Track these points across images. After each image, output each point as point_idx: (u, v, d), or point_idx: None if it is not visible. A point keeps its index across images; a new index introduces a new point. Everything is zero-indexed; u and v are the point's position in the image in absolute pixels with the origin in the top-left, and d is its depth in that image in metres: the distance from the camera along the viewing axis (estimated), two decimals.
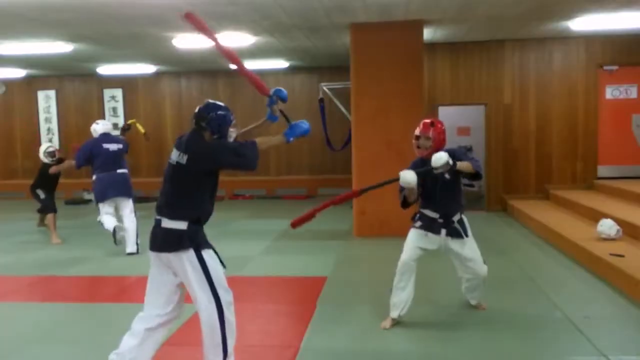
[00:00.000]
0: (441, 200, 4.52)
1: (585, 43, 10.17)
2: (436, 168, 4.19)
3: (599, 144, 10.30)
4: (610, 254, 5.91)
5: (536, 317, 4.71)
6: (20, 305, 5.59)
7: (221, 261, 3.53)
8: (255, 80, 3.65)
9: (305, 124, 3.58)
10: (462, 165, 4.33)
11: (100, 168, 7.40)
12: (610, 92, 10.29)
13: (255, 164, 3.44)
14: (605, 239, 6.60)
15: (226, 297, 3.47)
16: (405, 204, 4.64)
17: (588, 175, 10.30)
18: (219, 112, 3.42)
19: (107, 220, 7.44)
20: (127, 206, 7.56)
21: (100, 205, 7.44)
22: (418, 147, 4.54)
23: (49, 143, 9.21)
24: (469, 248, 4.59)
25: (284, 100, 3.67)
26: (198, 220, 3.44)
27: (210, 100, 3.56)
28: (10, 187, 13.81)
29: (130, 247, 7.43)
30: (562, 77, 10.32)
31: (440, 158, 4.14)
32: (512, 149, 10.45)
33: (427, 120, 4.59)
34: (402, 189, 4.45)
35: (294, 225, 4.22)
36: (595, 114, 10.27)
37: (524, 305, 4.80)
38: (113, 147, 7.56)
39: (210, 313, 3.43)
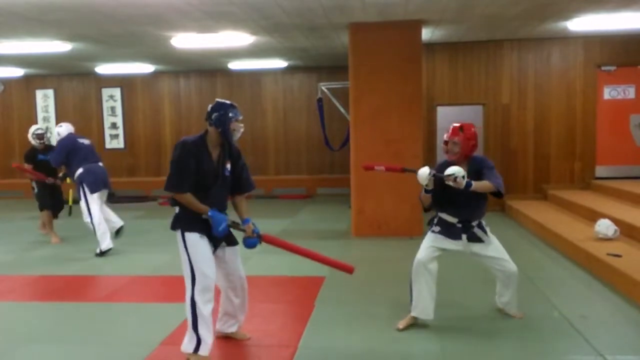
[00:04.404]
0: (462, 206, 4.46)
1: (584, 43, 10.19)
2: (448, 176, 4.20)
3: (597, 144, 10.32)
4: (608, 254, 5.92)
5: (534, 317, 4.73)
6: (17, 305, 5.59)
7: (215, 245, 3.95)
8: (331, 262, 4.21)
9: (221, 229, 3.81)
10: (479, 186, 4.27)
11: (84, 160, 7.43)
12: (609, 93, 10.30)
13: (170, 190, 3.85)
14: (602, 239, 6.61)
15: (202, 281, 3.83)
16: (424, 208, 4.64)
17: (586, 176, 10.31)
18: (221, 112, 3.88)
19: (105, 236, 7.34)
20: (103, 199, 7.65)
21: (90, 198, 7.31)
22: (446, 151, 4.50)
23: (37, 125, 8.92)
24: (492, 249, 4.55)
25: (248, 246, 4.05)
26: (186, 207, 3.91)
27: (219, 100, 4.02)
28: (8, 187, 13.79)
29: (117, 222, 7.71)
30: (561, 77, 10.34)
31: (422, 174, 4.32)
32: (510, 149, 10.47)
33: (457, 125, 4.51)
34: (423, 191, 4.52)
35: (366, 168, 4.99)
36: (593, 114, 10.29)
37: (522, 305, 4.81)
38: (86, 141, 7.75)
39: (187, 292, 3.86)
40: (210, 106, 3.96)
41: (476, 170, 4.45)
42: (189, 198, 3.82)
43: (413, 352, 4.15)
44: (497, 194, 4.38)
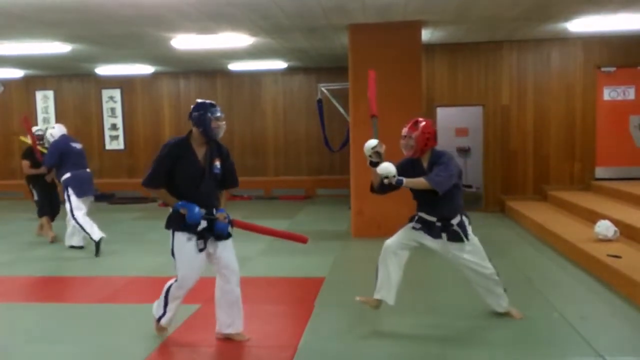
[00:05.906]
0: (433, 204, 4.45)
1: (583, 44, 10.19)
2: (380, 174, 4.26)
3: (597, 145, 10.31)
4: (608, 255, 5.92)
5: (533, 318, 4.72)
6: (17, 306, 5.59)
7: (204, 245, 4.08)
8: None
9: (197, 211, 3.96)
10: (411, 183, 4.31)
11: (73, 165, 7.49)
12: (608, 94, 10.30)
13: (143, 184, 4.13)
14: (602, 240, 6.61)
15: (182, 280, 4.12)
16: (371, 187, 4.67)
17: (586, 176, 10.31)
18: (201, 111, 4.02)
19: (93, 229, 7.33)
20: (87, 204, 7.66)
21: (75, 202, 7.36)
22: (404, 147, 4.54)
23: (38, 126, 8.95)
24: (469, 251, 4.51)
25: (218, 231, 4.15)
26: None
27: (199, 100, 4.16)
28: (9, 187, 13.79)
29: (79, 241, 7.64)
30: (560, 78, 10.34)
31: (367, 144, 4.37)
32: (510, 150, 10.47)
33: (413, 121, 4.57)
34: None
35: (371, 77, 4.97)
36: (593, 115, 10.29)
37: (521, 306, 4.80)
38: (78, 146, 7.79)
39: (172, 279, 4.23)
40: (192, 106, 4.10)
41: (433, 164, 4.48)
42: (160, 192, 4.09)
43: (412, 353, 4.14)
44: (435, 191, 4.33)
